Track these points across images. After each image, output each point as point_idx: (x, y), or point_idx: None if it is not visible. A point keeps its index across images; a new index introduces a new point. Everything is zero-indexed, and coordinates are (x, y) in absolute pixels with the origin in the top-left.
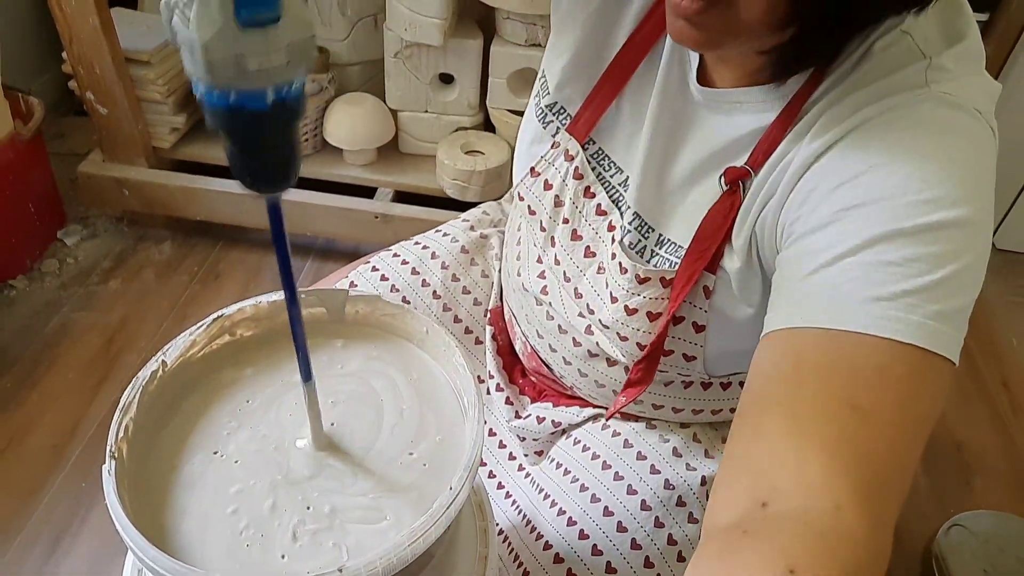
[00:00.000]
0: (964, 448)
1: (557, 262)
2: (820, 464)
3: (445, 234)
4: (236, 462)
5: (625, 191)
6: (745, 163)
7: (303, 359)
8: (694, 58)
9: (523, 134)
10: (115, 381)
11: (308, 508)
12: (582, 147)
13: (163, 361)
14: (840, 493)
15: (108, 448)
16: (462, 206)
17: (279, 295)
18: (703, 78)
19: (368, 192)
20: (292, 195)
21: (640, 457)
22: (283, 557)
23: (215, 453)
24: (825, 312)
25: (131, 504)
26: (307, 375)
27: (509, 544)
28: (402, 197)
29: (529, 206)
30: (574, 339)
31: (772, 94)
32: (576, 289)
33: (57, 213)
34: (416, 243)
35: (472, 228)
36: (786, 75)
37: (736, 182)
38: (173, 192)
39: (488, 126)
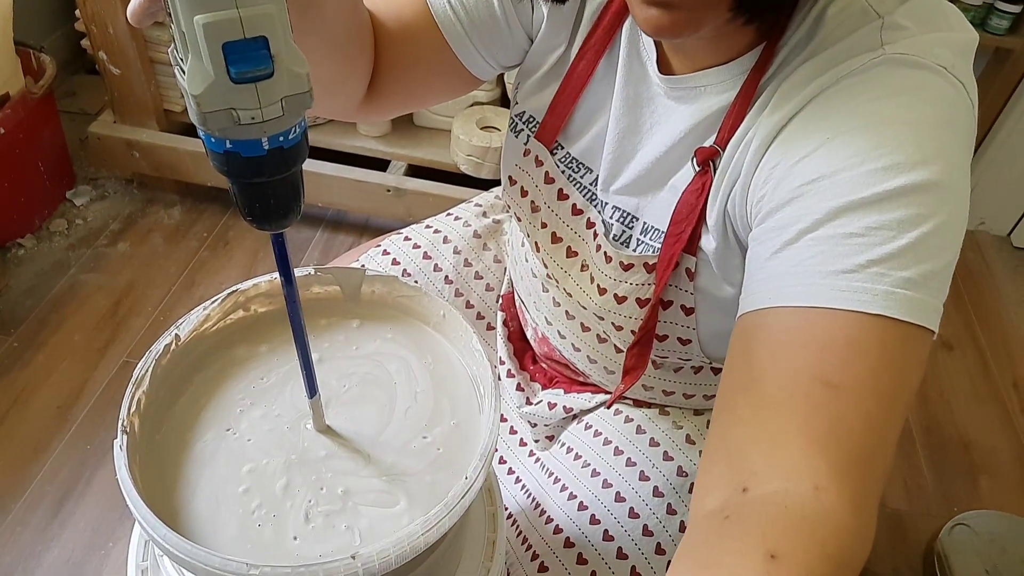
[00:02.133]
0: (972, 447)
1: (545, 265)
2: (797, 445)
3: (457, 218)
4: (249, 440)
5: (596, 189)
6: (714, 142)
7: (309, 376)
8: (651, 51)
9: (503, 144)
10: (121, 344)
11: (321, 489)
12: (550, 152)
13: (176, 335)
14: (818, 473)
15: (120, 422)
16: (476, 182)
17: (295, 271)
18: (663, 69)
19: (381, 164)
20: (304, 164)
21: (653, 443)
22: (295, 539)
23: (228, 431)
24: (792, 290)
25: (142, 480)
26: (312, 391)
27: (517, 527)
28: (415, 171)
29: (515, 214)
30: (582, 324)
31: (730, 72)
32: (565, 290)
33: (67, 173)
34: (428, 227)
35: (484, 214)
36: (752, 18)
37: (707, 162)
38: (183, 156)
39: (505, 102)
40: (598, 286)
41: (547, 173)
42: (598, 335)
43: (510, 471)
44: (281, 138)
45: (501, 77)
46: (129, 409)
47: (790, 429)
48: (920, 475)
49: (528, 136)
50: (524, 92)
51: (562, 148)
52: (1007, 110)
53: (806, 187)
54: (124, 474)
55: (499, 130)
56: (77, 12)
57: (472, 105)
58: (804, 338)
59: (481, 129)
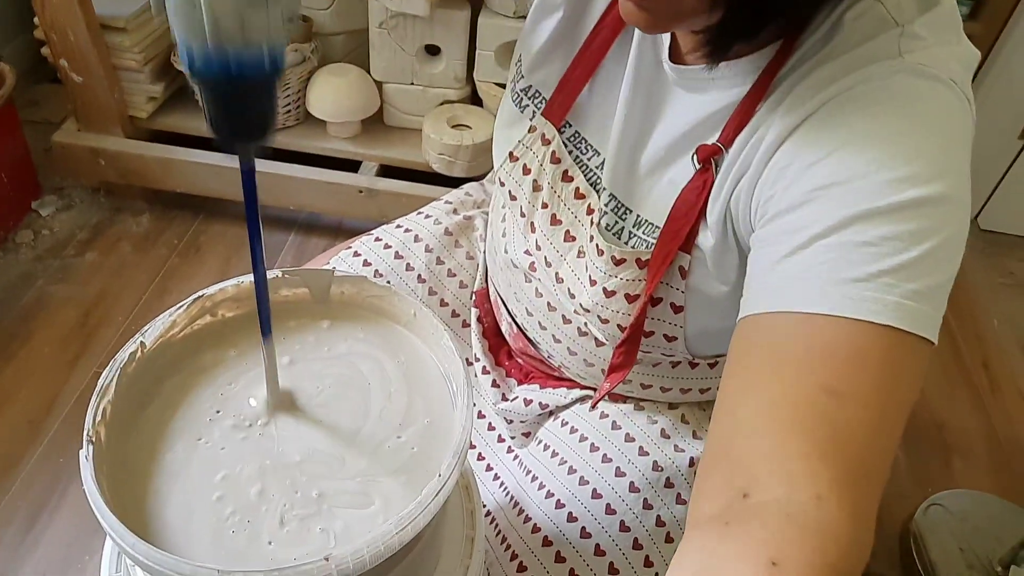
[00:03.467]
0: (944, 428)
1: (538, 247)
2: (799, 453)
3: (428, 216)
4: (222, 449)
5: (601, 173)
6: (717, 140)
7: (264, 315)
8: (665, 37)
9: (500, 118)
10: (92, 356)
11: (296, 493)
12: (558, 130)
13: (142, 342)
14: (820, 482)
15: (85, 432)
16: (448, 181)
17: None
18: (675, 56)
19: (352, 166)
20: (274, 168)
21: (628, 439)
22: (270, 543)
23: (199, 440)
24: (800, 296)
25: (110, 490)
26: (267, 330)
27: (496, 525)
28: (387, 171)
29: (510, 191)
30: (563, 316)
31: (743, 68)
32: (557, 274)
33: (31, 183)
34: (398, 227)
35: (455, 211)
36: (719, 56)
37: (708, 160)
38: (150, 163)
39: (475, 99)
40: (590, 277)
41: (554, 153)
42: (579, 328)
43: (488, 467)
44: (277, 51)
45: (471, 74)
46: (95, 419)
47: (794, 437)
48: (894, 457)
49: (534, 112)
50: (529, 65)
51: (570, 127)
52: None
53: (819, 192)
54: (91, 485)
55: (470, 128)
56: (36, 20)
57: (442, 104)
58: (809, 345)
59: (452, 127)
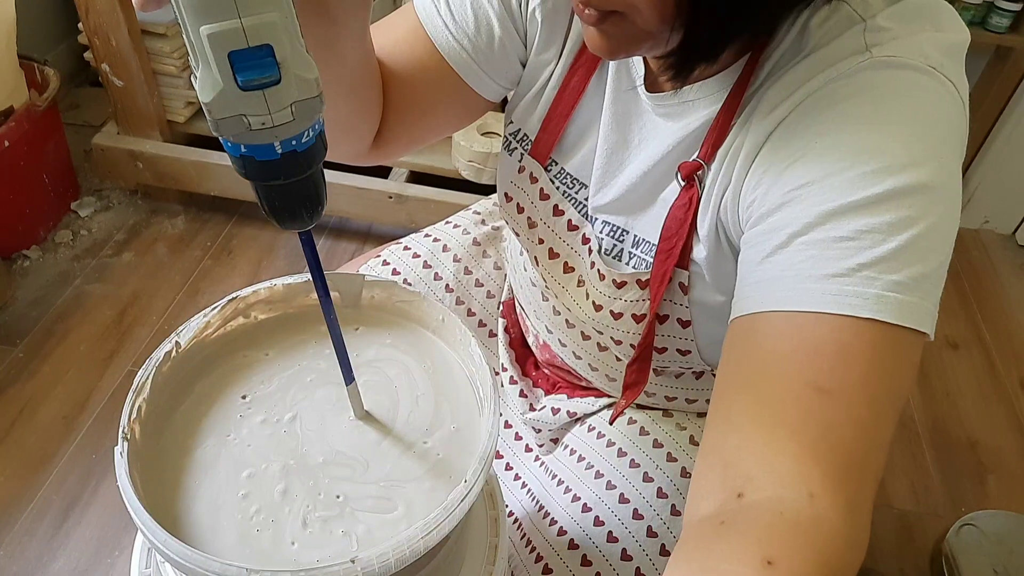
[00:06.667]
0: (979, 447)
1: (544, 280)
2: (790, 451)
3: (456, 226)
4: (249, 446)
5: (590, 205)
6: (697, 156)
7: (345, 364)
8: (639, 69)
9: (498, 161)
10: (126, 354)
11: (319, 495)
12: (544, 168)
13: (177, 342)
14: (812, 480)
15: (120, 429)
16: (477, 188)
17: (295, 278)
18: (651, 86)
19: (383, 172)
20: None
21: (656, 445)
22: (293, 544)
23: (228, 436)
24: (783, 294)
25: (143, 486)
26: (349, 378)
27: (521, 529)
28: (417, 178)
29: (513, 229)
30: (583, 333)
31: (717, 85)
32: (564, 303)
33: (71, 184)
34: (427, 236)
35: (483, 221)
36: (683, 79)
37: (692, 176)
38: (187, 167)
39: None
40: (593, 303)
41: (542, 190)
42: (598, 344)
43: (516, 477)
44: (294, 142)
45: None
46: (130, 416)
47: (783, 435)
48: (927, 475)
49: (522, 154)
50: (519, 111)
51: (556, 164)
52: (1009, 108)
53: (796, 192)
54: (125, 481)
55: (500, 136)
56: (80, 25)
57: None
58: (795, 343)
59: (482, 135)
